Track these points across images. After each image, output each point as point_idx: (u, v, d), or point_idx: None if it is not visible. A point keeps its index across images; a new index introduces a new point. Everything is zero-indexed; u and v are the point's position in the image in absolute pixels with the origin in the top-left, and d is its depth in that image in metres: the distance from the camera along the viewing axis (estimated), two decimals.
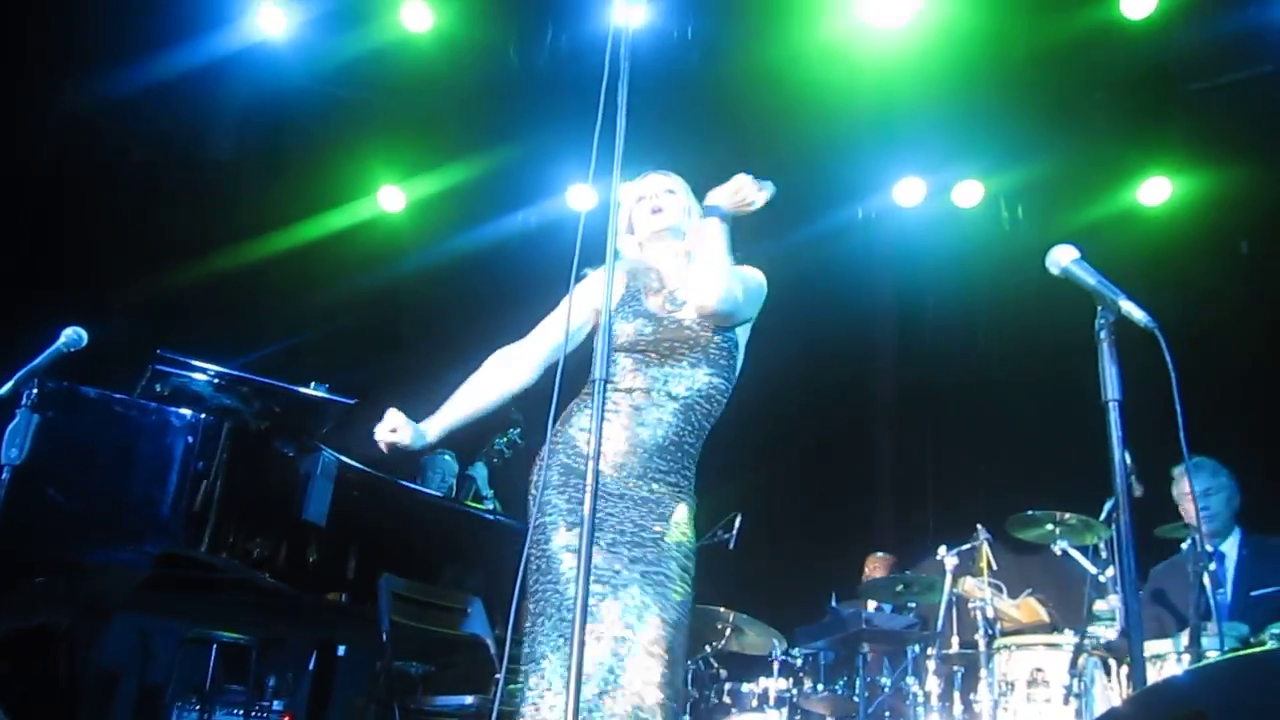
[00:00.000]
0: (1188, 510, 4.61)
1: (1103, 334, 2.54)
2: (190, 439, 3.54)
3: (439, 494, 4.79)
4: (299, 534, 3.90)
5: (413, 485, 4.57)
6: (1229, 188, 6.84)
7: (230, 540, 3.62)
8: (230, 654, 5.76)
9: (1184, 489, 4.63)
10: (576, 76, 6.46)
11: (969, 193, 7.60)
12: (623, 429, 2.69)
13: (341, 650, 5.34)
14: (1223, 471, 4.73)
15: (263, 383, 3.96)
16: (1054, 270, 2.68)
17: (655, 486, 2.69)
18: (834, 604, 6.17)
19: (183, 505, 3.48)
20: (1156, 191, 7.15)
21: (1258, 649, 3.50)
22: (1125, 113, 6.97)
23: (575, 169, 7.41)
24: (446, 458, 5.66)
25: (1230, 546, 4.67)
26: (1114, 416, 2.48)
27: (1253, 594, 4.39)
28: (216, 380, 3.86)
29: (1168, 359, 2.46)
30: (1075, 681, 4.34)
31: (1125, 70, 6.77)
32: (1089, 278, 2.61)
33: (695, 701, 5.52)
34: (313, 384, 4.06)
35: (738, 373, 2.89)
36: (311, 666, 5.31)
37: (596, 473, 2.18)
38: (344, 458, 4.12)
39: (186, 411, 3.61)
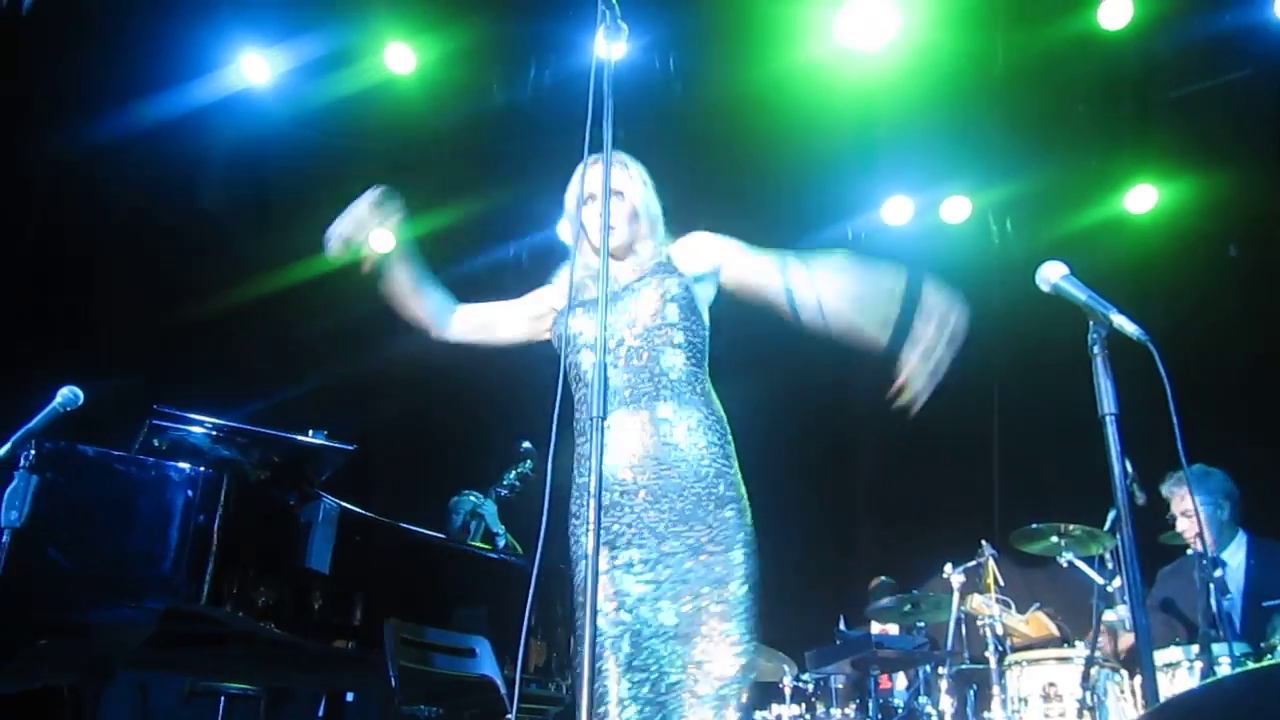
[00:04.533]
0: (1181, 525, 4.60)
1: (1096, 349, 2.54)
2: (190, 493, 3.52)
3: (440, 535, 4.77)
4: (303, 583, 3.88)
5: (414, 528, 4.55)
6: (1214, 192, 6.86)
7: (234, 592, 3.60)
8: (239, 705, 5.72)
9: (1173, 507, 4.61)
10: (561, 112, 6.48)
11: (957, 209, 7.63)
12: (633, 434, 2.61)
13: (350, 697, 5.31)
14: (1211, 478, 4.67)
15: (260, 433, 3.95)
16: (1044, 288, 2.69)
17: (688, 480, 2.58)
18: (842, 627, 6.14)
19: (184, 560, 3.45)
20: (1143, 199, 7.18)
21: (1272, 663, 3.47)
22: (1108, 122, 7.01)
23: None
24: (471, 498, 5.58)
25: (1234, 553, 4.62)
26: (1111, 430, 2.48)
27: (1264, 604, 4.34)
28: (214, 432, 3.85)
29: (1161, 369, 2.46)
30: (1088, 694, 4.32)
31: (1106, 80, 6.81)
32: (1079, 294, 2.61)
33: None
34: (311, 431, 4.05)
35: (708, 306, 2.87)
36: (321, 714, 5.27)
37: (599, 509, 2.16)
38: (345, 504, 4.10)
39: (185, 465, 3.58)
